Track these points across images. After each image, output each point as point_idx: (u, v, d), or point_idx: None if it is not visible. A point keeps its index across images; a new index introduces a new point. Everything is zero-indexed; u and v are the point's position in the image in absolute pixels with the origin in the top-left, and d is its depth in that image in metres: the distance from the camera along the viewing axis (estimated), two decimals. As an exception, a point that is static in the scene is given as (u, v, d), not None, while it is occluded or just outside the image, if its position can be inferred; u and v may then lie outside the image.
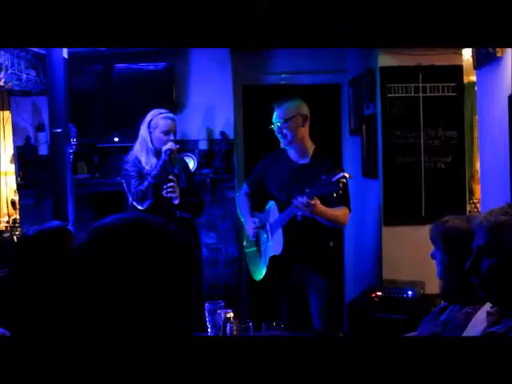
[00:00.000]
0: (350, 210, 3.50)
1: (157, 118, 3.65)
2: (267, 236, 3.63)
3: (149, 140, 3.65)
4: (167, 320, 1.04)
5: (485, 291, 1.80)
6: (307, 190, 3.17)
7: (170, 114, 3.71)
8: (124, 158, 3.75)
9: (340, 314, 3.72)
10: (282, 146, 3.60)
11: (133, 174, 3.65)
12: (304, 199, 3.17)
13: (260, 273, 3.71)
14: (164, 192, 3.54)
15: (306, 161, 3.56)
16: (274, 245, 3.57)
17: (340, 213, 3.42)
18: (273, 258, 3.59)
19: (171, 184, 3.55)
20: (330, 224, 3.43)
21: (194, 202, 3.76)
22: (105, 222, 1.09)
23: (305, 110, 3.59)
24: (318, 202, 3.19)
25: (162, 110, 3.70)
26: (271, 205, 3.63)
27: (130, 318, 1.02)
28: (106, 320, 1.02)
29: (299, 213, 3.27)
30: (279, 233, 3.52)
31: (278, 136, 3.55)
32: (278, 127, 3.52)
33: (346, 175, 3.03)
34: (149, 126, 3.65)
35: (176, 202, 3.58)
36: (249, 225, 3.70)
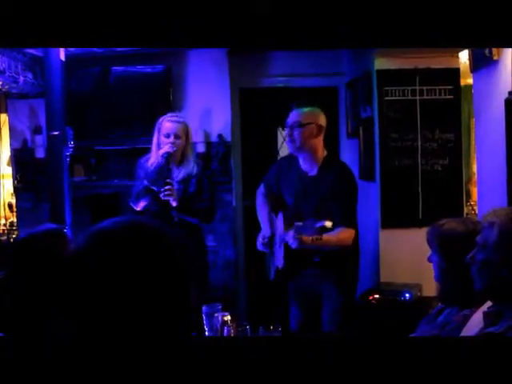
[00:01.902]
0: (355, 229, 3.34)
1: (162, 122, 3.68)
2: (275, 246, 3.55)
3: (156, 144, 3.69)
4: (164, 322, 1.04)
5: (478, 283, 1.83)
6: (296, 224, 3.12)
7: (176, 118, 3.71)
8: (138, 160, 3.82)
9: (352, 322, 3.59)
10: (289, 151, 3.49)
11: (139, 175, 3.73)
12: (291, 234, 3.15)
13: (271, 274, 3.64)
14: (162, 195, 3.55)
15: (314, 172, 3.43)
16: (278, 257, 3.48)
17: (337, 237, 3.23)
18: (287, 260, 3.43)
19: (168, 187, 3.55)
20: (329, 249, 3.29)
21: (202, 207, 3.70)
22: (102, 225, 1.09)
23: (322, 120, 3.42)
24: (304, 238, 3.09)
25: (171, 114, 3.75)
26: (279, 217, 3.50)
27: (126, 320, 1.02)
28: (103, 322, 1.02)
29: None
30: (281, 249, 3.41)
31: (287, 139, 3.43)
32: (290, 130, 3.37)
33: (328, 224, 2.98)
34: (157, 131, 3.69)
35: (174, 204, 3.57)
36: (259, 236, 3.58)
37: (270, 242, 3.52)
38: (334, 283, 3.41)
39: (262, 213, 3.66)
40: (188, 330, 1.13)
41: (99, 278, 1.03)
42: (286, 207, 3.50)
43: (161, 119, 3.70)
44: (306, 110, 3.42)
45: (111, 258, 1.03)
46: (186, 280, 1.08)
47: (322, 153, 3.44)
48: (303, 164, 3.46)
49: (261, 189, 3.72)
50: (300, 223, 3.11)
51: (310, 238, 3.06)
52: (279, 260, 3.45)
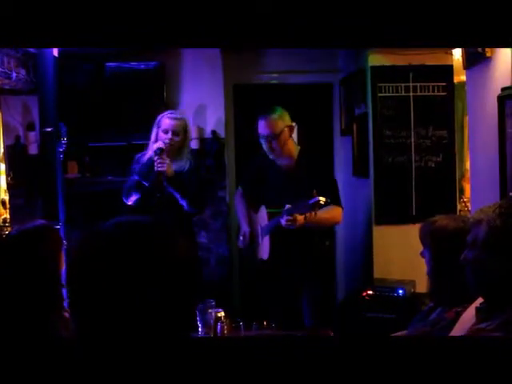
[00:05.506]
0: (342, 208, 3.56)
1: (162, 118, 3.70)
2: (258, 240, 3.68)
3: (154, 139, 3.70)
4: (168, 321, 1.04)
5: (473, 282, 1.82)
6: (287, 206, 3.26)
7: (175, 115, 3.73)
8: (135, 156, 3.84)
9: (332, 313, 3.76)
10: (271, 158, 3.58)
11: (133, 170, 3.75)
12: (284, 217, 3.25)
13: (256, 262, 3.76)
14: (155, 165, 3.54)
15: (292, 163, 3.58)
16: (263, 249, 3.63)
17: (330, 214, 3.42)
18: (272, 252, 3.60)
19: (162, 156, 3.55)
20: (323, 226, 3.51)
21: (193, 191, 3.71)
22: (101, 226, 1.08)
23: (289, 119, 3.56)
24: (298, 216, 3.23)
25: (171, 111, 3.80)
26: (262, 209, 3.66)
27: (126, 319, 1.01)
28: (100, 321, 1.01)
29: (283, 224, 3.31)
30: (266, 239, 3.58)
31: (267, 149, 3.53)
32: (267, 141, 3.49)
33: (322, 199, 3.07)
34: (156, 126, 3.71)
35: (163, 168, 3.55)
36: (240, 235, 3.75)
37: (250, 237, 3.68)
38: (314, 273, 3.58)
39: (240, 212, 3.82)
40: (189, 328, 1.13)
41: (98, 277, 1.02)
42: (268, 201, 3.62)
43: (160, 116, 3.72)
44: (274, 116, 3.49)
45: (109, 258, 1.02)
46: (188, 280, 1.08)
47: (295, 147, 3.62)
48: (281, 161, 3.60)
49: (239, 190, 3.90)
50: (290, 206, 3.26)
51: (303, 216, 3.20)
52: (265, 252, 3.60)
